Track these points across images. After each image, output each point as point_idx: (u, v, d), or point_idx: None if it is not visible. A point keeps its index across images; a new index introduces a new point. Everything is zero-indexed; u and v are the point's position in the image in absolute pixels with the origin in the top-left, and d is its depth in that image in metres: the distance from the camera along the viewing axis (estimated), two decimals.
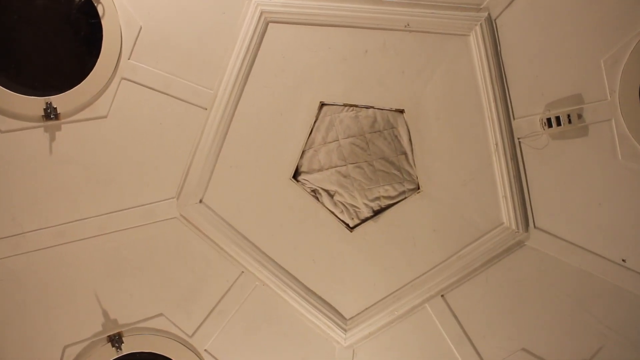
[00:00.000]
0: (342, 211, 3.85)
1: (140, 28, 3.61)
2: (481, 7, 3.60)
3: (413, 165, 3.81)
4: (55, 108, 3.56)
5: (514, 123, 3.68)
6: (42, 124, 3.58)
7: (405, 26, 3.63)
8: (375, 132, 3.77)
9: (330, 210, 3.85)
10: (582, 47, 3.60)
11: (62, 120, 3.61)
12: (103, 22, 3.55)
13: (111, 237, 3.76)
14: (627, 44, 3.53)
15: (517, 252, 3.77)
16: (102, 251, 3.77)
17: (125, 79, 3.64)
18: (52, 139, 3.63)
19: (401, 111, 3.77)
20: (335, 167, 3.79)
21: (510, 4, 3.60)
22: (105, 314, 3.81)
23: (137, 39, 3.62)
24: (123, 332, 3.81)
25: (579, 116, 3.60)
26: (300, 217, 3.85)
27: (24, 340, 3.75)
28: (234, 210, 3.82)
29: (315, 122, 3.78)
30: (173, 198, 3.79)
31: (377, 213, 3.85)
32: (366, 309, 3.90)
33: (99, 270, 3.79)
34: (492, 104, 3.64)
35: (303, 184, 3.85)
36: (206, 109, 3.70)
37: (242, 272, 3.87)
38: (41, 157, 3.64)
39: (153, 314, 3.87)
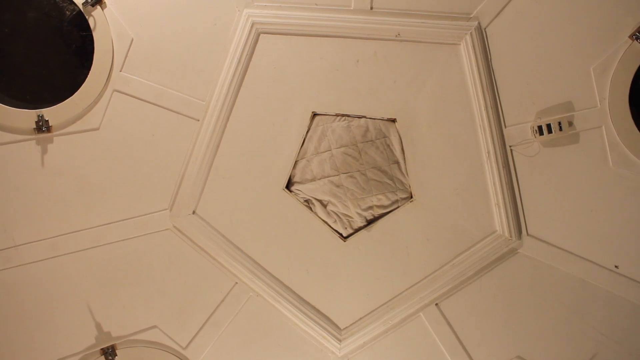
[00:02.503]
0: (335, 221, 3.85)
1: (132, 40, 3.62)
2: (471, 16, 3.63)
3: (406, 174, 3.82)
4: (47, 120, 3.56)
5: (505, 131, 3.70)
6: (33, 136, 3.58)
7: (396, 36, 3.65)
8: (367, 141, 3.78)
9: (323, 220, 3.85)
10: (571, 55, 3.62)
11: (54, 133, 3.61)
12: (94, 34, 3.57)
13: (104, 249, 3.75)
14: (616, 52, 3.55)
15: (510, 259, 3.77)
16: (94, 263, 3.76)
17: (117, 91, 3.64)
18: (44, 151, 3.63)
19: (393, 120, 3.79)
20: (328, 177, 3.79)
21: (499, 13, 3.62)
22: (98, 326, 3.79)
23: (128, 51, 3.63)
24: (116, 344, 3.79)
25: (570, 123, 3.62)
26: (294, 227, 3.85)
27: (15, 354, 3.72)
28: (227, 221, 3.82)
29: (307, 132, 3.79)
30: (166, 209, 3.78)
31: (370, 222, 3.85)
32: (360, 318, 3.90)
33: (92, 283, 3.77)
34: (484, 112, 3.66)
35: (296, 194, 3.85)
36: (198, 120, 3.71)
37: (236, 283, 3.86)
38: (33, 169, 3.64)
39: (147, 326, 3.85)
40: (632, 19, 3.50)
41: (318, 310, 3.90)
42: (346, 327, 3.91)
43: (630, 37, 3.50)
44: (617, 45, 3.54)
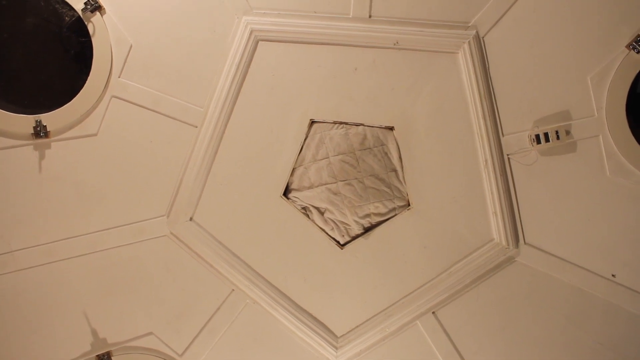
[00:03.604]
0: (333, 228, 3.84)
1: (131, 46, 3.63)
2: (469, 25, 3.64)
3: (403, 182, 3.82)
4: (45, 126, 3.56)
5: (503, 139, 3.71)
6: (31, 142, 3.58)
7: (395, 44, 3.66)
8: (365, 149, 3.78)
9: (320, 228, 3.84)
10: (569, 64, 3.63)
11: (52, 138, 3.61)
12: (93, 40, 3.57)
13: (101, 255, 3.74)
14: (613, 61, 3.57)
15: (508, 268, 3.77)
16: (91, 269, 3.75)
17: (115, 96, 3.65)
18: (42, 157, 3.63)
19: (391, 128, 3.79)
20: (325, 184, 3.79)
21: (497, 22, 3.64)
22: (94, 333, 3.77)
23: (127, 57, 3.63)
24: (112, 351, 3.77)
25: (567, 132, 3.63)
26: (291, 234, 3.84)
27: None
28: (224, 228, 3.81)
29: (305, 139, 3.79)
30: (163, 216, 3.78)
31: (367, 230, 3.85)
32: (357, 326, 3.89)
33: (89, 289, 3.76)
34: (481, 121, 3.67)
35: (293, 201, 3.84)
36: (196, 127, 3.71)
37: (233, 290, 3.85)
38: (30, 175, 3.63)
39: (143, 332, 3.83)
40: (629, 29, 3.52)
41: (315, 318, 3.89)
42: (343, 335, 3.90)
43: (627, 46, 3.52)
44: (615, 54, 3.56)
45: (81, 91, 3.59)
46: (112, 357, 3.76)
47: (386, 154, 3.80)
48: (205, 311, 3.85)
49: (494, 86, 3.68)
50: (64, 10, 3.67)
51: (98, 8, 3.54)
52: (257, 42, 3.66)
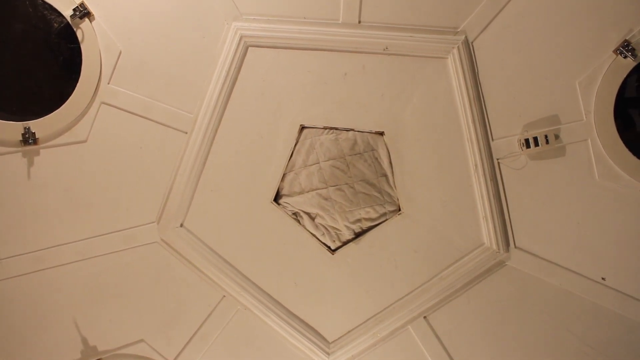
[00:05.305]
0: (324, 234, 3.84)
1: (120, 52, 3.62)
2: (458, 30, 3.66)
3: (394, 187, 3.82)
4: (34, 133, 3.55)
5: (492, 144, 3.72)
6: (20, 149, 3.57)
7: (384, 49, 3.67)
8: (355, 154, 3.79)
9: (311, 233, 3.84)
10: (557, 68, 3.65)
11: (41, 145, 3.60)
12: (82, 46, 3.56)
13: (91, 262, 3.74)
14: (601, 66, 3.59)
15: (498, 272, 3.78)
16: (81, 277, 3.74)
17: (105, 103, 3.64)
18: (31, 164, 3.61)
19: (381, 133, 3.80)
20: (316, 189, 3.79)
21: (486, 27, 3.65)
22: (84, 340, 3.75)
23: (116, 63, 3.63)
24: (103, 359, 3.76)
25: (556, 137, 3.65)
26: (282, 240, 3.84)
27: None
28: (215, 234, 3.80)
29: (295, 145, 3.79)
30: (153, 222, 3.76)
31: (358, 235, 3.85)
32: (349, 331, 3.89)
33: (78, 297, 3.75)
34: (471, 126, 3.68)
35: (284, 207, 3.84)
36: (186, 133, 3.70)
37: (224, 296, 3.84)
38: (19, 182, 3.62)
39: (133, 340, 3.82)
40: (616, 34, 3.54)
41: (306, 324, 3.89)
42: (334, 341, 3.90)
43: (615, 51, 3.55)
44: (602, 59, 3.58)
45: (70, 98, 3.59)
46: None
47: (376, 159, 3.81)
48: (196, 318, 3.84)
49: (483, 91, 3.69)
50: (53, 17, 3.65)
51: (87, 14, 3.53)
52: (246, 48, 3.66)
